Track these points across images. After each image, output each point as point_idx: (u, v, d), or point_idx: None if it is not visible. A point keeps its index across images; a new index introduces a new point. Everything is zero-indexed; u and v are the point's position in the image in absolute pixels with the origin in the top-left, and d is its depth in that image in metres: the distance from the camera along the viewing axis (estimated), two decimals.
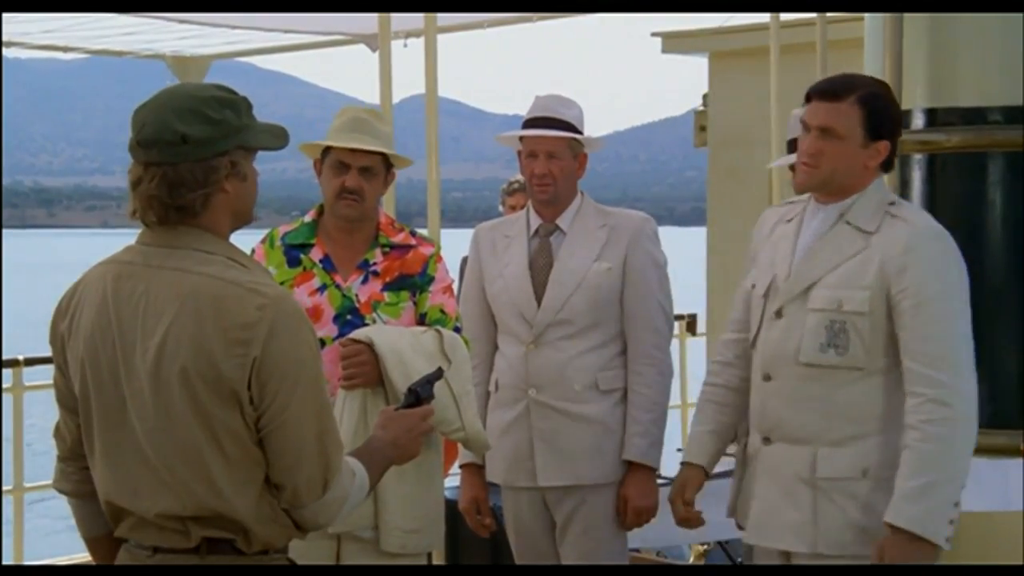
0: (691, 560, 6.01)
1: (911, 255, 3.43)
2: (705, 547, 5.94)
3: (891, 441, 3.42)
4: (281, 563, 2.66)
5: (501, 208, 6.33)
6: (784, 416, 3.49)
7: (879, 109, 3.56)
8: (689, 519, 3.73)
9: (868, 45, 6.27)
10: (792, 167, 4.06)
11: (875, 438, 3.44)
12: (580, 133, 4.16)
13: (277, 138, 2.69)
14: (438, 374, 3.02)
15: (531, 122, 4.15)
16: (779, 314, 3.53)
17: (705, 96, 9.22)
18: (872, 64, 6.17)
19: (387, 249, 3.91)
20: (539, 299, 4.12)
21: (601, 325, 4.11)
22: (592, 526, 4.10)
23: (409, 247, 3.92)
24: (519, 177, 6.06)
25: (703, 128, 9.06)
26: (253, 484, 2.57)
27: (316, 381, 2.60)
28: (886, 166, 3.64)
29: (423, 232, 4.15)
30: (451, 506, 4.17)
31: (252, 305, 2.52)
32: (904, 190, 6.02)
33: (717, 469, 5.13)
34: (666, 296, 4.18)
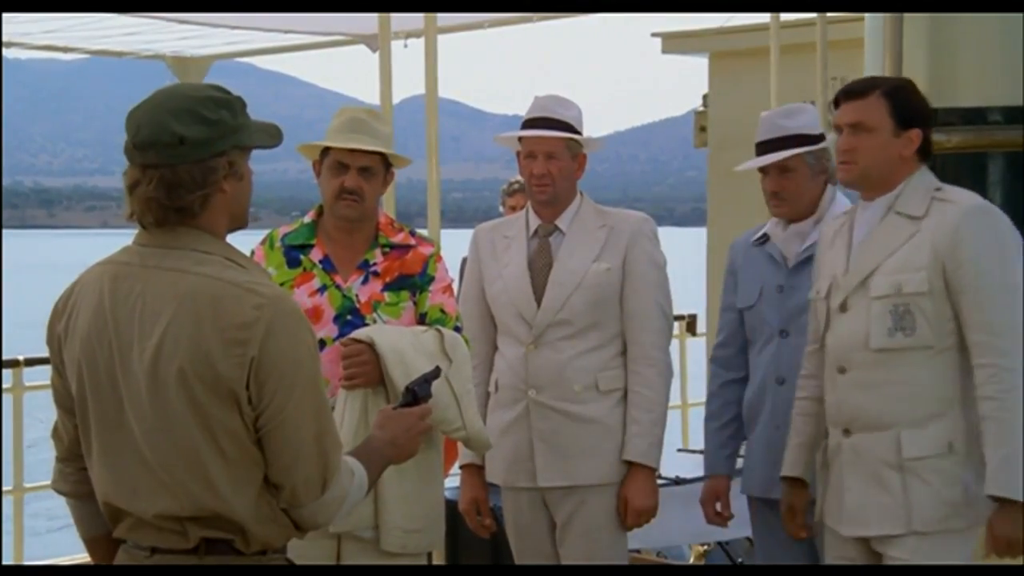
0: (691, 560, 6.01)
1: (962, 231, 3.49)
2: (705, 547, 5.94)
3: (972, 414, 3.48)
4: (279, 563, 2.66)
5: (501, 208, 6.33)
6: (863, 405, 3.55)
7: (904, 99, 3.64)
8: (801, 533, 3.85)
9: (868, 45, 6.26)
10: (761, 170, 4.04)
11: (956, 412, 3.49)
12: (579, 134, 4.15)
13: (272, 136, 2.69)
14: (436, 373, 3.02)
15: (530, 123, 4.15)
16: (843, 308, 3.60)
17: (705, 96, 9.22)
18: (872, 64, 6.16)
19: (387, 249, 3.90)
20: (539, 300, 4.12)
21: (601, 325, 4.10)
22: (592, 527, 4.09)
23: (409, 247, 3.92)
24: (519, 177, 6.04)
25: (703, 128, 9.06)
26: (252, 484, 2.56)
27: (314, 381, 2.59)
28: (924, 155, 3.69)
29: (423, 232, 4.14)
30: (451, 506, 4.17)
31: (249, 305, 2.52)
32: None
33: (692, 475, 5.15)
34: (665, 296, 4.17)
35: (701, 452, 4.28)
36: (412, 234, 3.95)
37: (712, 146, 9.03)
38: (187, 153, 2.55)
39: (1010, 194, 5.92)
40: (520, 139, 4.17)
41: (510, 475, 4.17)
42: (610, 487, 4.10)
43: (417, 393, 2.91)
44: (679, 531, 4.97)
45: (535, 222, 4.22)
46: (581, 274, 4.10)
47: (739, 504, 4.22)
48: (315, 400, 2.59)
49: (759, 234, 4.15)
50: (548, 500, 4.14)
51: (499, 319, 4.21)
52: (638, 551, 5.01)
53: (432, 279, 3.89)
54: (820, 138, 4.04)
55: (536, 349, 4.11)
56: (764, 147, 4.03)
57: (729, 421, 4.16)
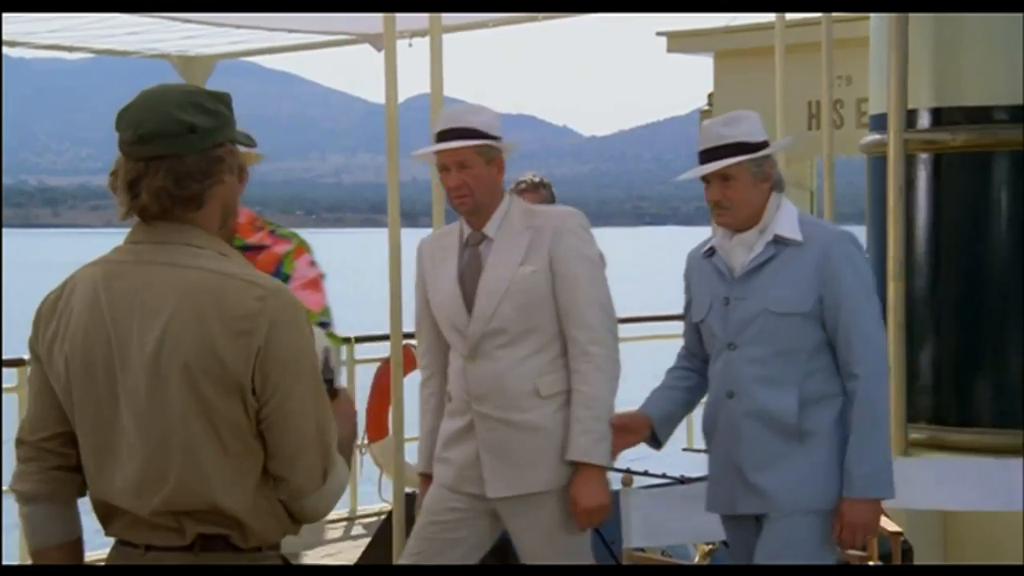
0: (696, 559, 6.01)
1: None
2: (710, 546, 5.94)
3: None
4: (275, 561, 2.66)
5: None
6: None
7: None
8: None
9: (874, 45, 6.26)
10: (704, 179, 3.93)
11: None
12: (493, 137, 4.06)
13: (249, 139, 2.72)
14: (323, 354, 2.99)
15: (440, 135, 4.07)
16: None
17: (710, 95, 9.23)
18: (877, 64, 6.16)
19: (240, 252, 3.84)
20: (470, 310, 4.05)
21: (536, 330, 4.02)
22: (546, 533, 4.01)
23: (263, 248, 3.84)
24: (527, 176, 6.04)
25: None
26: (250, 477, 2.56)
27: (314, 371, 2.61)
28: None
29: (290, 231, 4.05)
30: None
31: (252, 296, 2.53)
32: (909, 189, 6.02)
33: (696, 474, 5.13)
34: (600, 288, 4.06)
35: (706, 451, 4.27)
36: (272, 233, 3.87)
37: None
38: (196, 142, 2.57)
39: (1014, 192, 5.92)
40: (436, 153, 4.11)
41: (458, 480, 4.11)
42: (560, 492, 4.00)
43: (332, 381, 2.84)
44: (684, 530, 4.97)
45: (467, 232, 4.15)
46: (508, 280, 4.01)
47: None
48: (316, 390, 2.60)
49: (708, 246, 4.07)
50: (499, 510, 4.06)
51: (442, 331, 4.16)
52: (642, 550, 5.01)
53: (288, 278, 3.80)
54: (762, 145, 3.92)
55: (474, 361, 4.04)
56: (705, 156, 3.93)
57: (674, 386, 4.11)
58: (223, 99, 2.65)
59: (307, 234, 4.32)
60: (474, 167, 4.02)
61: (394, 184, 5.35)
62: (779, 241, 3.88)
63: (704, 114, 9.12)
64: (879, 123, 6.13)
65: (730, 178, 3.89)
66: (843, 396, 3.83)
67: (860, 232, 7.28)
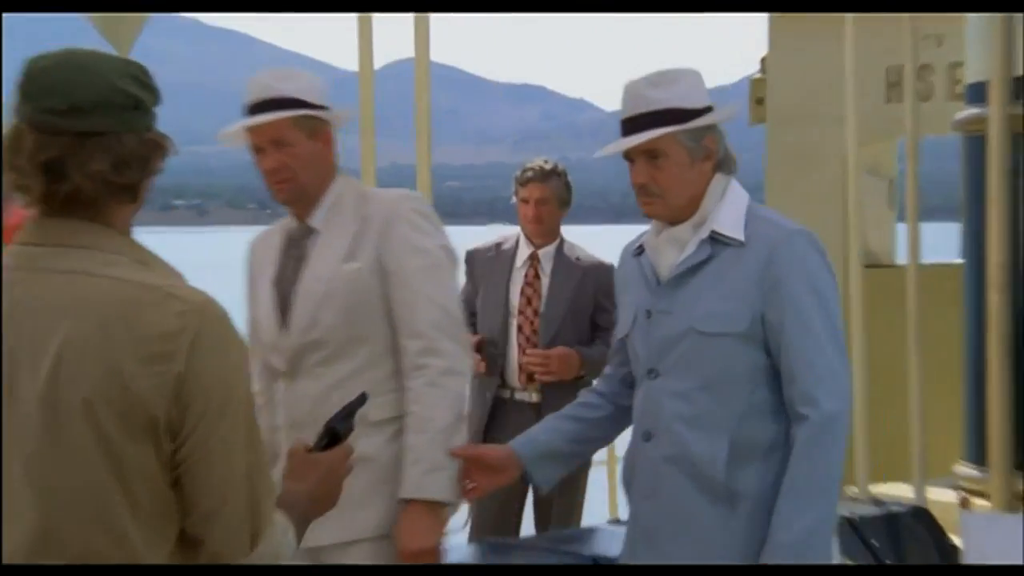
0: None
1: None
2: None
3: None
4: None
5: (514, 199, 6.29)
6: None
7: None
8: None
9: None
10: (626, 156, 3.69)
11: None
12: (314, 106, 4.02)
13: None
14: (360, 400, 2.97)
15: (249, 109, 4.02)
16: None
17: (763, 60, 9.22)
18: (977, 20, 6.13)
19: None
20: (286, 319, 4.04)
21: (364, 340, 3.99)
22: None
23: None
24: (536, 162, 6.01)
25: (760, 100, 9.06)
26: (166, 541, 2.54)
27: (246, 406, 2.59)
28: None
29: None
30: None
31: (171, 312, 2.50)
32: (1016, 177, 5.99)
33: None
34: (439, 286, 3.99)
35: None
36: None
37: (771, 122, 9.03)
38: (138, 120, 2.57)
39: None
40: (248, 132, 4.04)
41: None
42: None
43: (338, 431, 2.87)
44: None
45: (293, 225, 4.13)
46: (328, 281, 3.99)
47: None
48: (247, 430, 2.58)
49: (639, 243, 3.89)
50: (327, 560, 4.00)
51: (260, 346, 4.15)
52: None
53: None
54: (703, 112, 3.71)
55: (292, 380, 4.02)
56: (628, 126, 3.72)
57: (573, 415, 3.99)
58: (149, 74, 2.64)
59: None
60: (295, 144, 4.00)
61: (370, 170, 5.34)
62: (716, 239, 3.67)
63: (756, 83, 9.10)
64: (978, 94, 6.11)
65: (659, 155, 3.68)
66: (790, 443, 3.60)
67: (953, 229, 7.26)
